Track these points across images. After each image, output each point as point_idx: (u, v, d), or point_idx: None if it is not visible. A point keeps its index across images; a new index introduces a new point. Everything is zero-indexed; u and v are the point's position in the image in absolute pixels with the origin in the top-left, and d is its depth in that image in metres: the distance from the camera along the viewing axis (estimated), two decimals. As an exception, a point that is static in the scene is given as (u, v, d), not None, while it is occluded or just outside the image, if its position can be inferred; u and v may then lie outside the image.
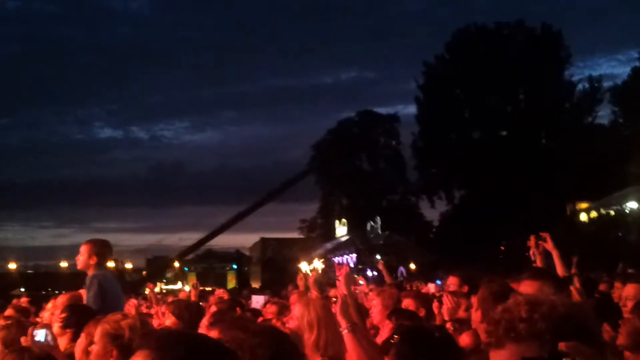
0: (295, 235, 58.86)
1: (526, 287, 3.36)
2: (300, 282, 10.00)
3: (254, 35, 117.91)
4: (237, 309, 7.72)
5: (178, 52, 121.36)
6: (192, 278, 52.57)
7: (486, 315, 3.39)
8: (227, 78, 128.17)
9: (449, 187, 48.32)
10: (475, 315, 3.86)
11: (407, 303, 5.28)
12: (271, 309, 7.66)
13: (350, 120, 53.92)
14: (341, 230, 49.70)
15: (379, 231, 44.48)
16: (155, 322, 6.59)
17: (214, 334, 3.94)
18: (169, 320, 5.49)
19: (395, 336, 3.14)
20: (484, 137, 46.37)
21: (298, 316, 4.67)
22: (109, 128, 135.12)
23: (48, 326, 4.83)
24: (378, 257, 34.68)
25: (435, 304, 6.28)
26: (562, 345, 1.57)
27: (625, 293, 4.80)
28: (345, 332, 3.92)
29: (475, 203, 42.72)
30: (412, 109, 50.68)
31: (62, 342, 4.58)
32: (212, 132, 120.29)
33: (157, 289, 28.19)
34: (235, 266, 61.12)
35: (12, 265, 44.72)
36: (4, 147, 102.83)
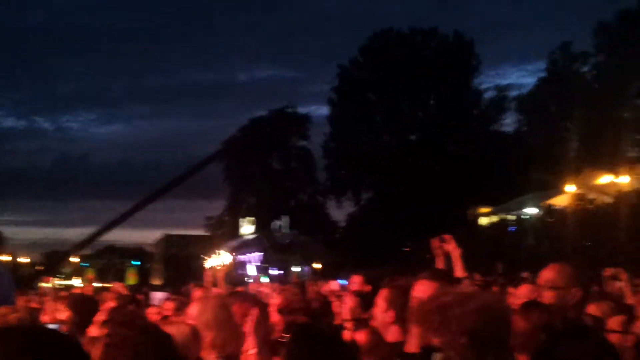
0: (200, 232, 58.31)
1: (422, 287, 3.36)
2: (208, 278, 9.81)
3: (169, 29, 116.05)
4: (132, 305, 7.52)
5: (89, 42, 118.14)
6: (89, 273, 51.24)
7: (400, 313, 3.40)
8: (139, 71, 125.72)
9: (357, 188, 48.91)
10: (385, 316, 3.84)
11: (299, 305, 5.22)
12: (169, 306, 7.49)
13: (262, 119, 53.66)
14: (248, 228, 49.48)
15: (286, 230, 44.53)
16: (45, 317, 6.32)
17: (101, 330, 3.80)
18: (64, 314, 5.30)
19: (286, 335, 3.10)
20: (394, 141, 47.17)
21: (195, 315, 4.56)
22: (12, 117, 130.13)
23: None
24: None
25: (336, 303, 6.27)
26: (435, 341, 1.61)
27: (518, 293, 4.90)
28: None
29: (382, 205, 43.39)
30: (325, 110, 51.10)
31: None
32: (120, 126, 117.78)
33: (51, 284, 27.35)
34: (136, 262, 59.87)
35: None
36: None
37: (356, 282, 6.58)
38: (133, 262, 59.76)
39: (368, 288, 6.30)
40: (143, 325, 2.87)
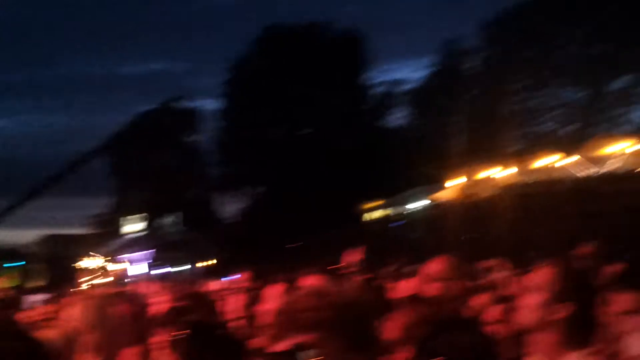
0: (86, 231, 56.50)
1: (310, 281, 3.34)
2: (84, 279, 9.46)
3: (56, 20, 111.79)
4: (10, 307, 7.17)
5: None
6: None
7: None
8: (23, 63, 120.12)
9: (250, 184, 48.73)
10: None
11: (183, 304, 5.11)
12: (47, 309, 7.19)
13: (151, 112, 52.47)
14: (137, 225, 48.38)
15: (177, 227, 43.89)
16: None
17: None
18: None
19: (178, 332, 3.06)
20: (287, 136, 47.25)
21: (74, 316, 4.43)
22: None
23: None
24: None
25: (223, 301, 6.20)
26: (309, 339, 1.58)
27: (403, 287, 4.95)
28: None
29: (274, 200, 43.41)
30: (217, 104, 50.60)
31: None
32: (3, 120, 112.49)
33: None
34: (16, 263, 57.35)
35: None
36: None
37: (244, 278, 6.55)
38: (14, 263, 57.24)
39: (256, 284, 6.27)
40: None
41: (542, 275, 2.74)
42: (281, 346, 1.64)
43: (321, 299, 1.66)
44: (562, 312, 2.63)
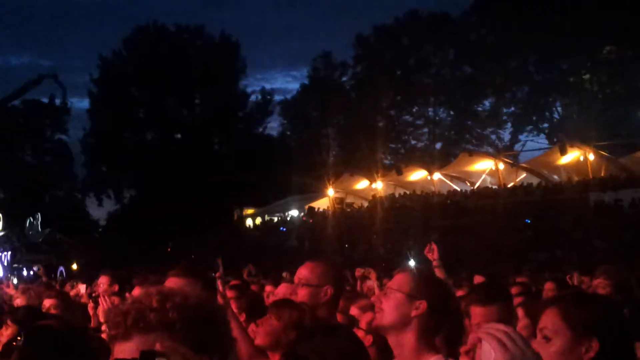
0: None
1: (172, 284, 3.19)
2: None
3: None
4: None
5: None
6: None
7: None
8: None
9: (119, 186, 47.48)
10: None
11: (49, 304, 4.82)
12: None
13: (13, 108, 49.89)
14: (-5, 225, 45.88)
15: (39, 228, 41.92)
16: None
17: None
18: None
19: (19, 337, 2.86)
20: (159, 139, 46.38)
21: None
22: None
23: None
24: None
25: (90, 305, 5.90)
26: (158, 345, 1.47)
27: (276, 292, 4.90)
28: None
29: (145, 203, 42.45)
30: (84, 103, 48.87)
31: None
32: None
33: None
34: None
35: None
36: None
37: (103, 282, 6.28)
38: None
39: (115, 287, 6.03)
40: None
41: (400, 279, 2.81)
42: (129, 348, 1.51)
43: (167, 299, 1.56)
44: (417, 311, 2.70)
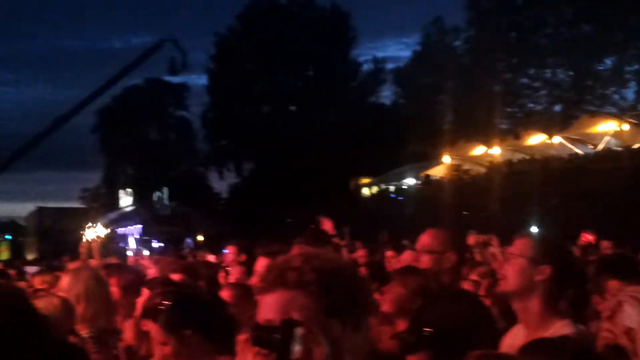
0: (76, 204, 56.41)
1: (299, 251, 3.36)
2: (83, 250, 9.47)
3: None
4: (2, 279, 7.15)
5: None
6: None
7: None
8: (4, 36, 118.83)
9: (239, 159, 48.77)
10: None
11: (177, 277, 5.12)
12: (41, 280, 7.19)
13: (138, 88, 52.12)
14: (126, 200, 48.32)
15: (166, 202, 43.81)
16: None
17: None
18: None
19: (165, 302, 3.03)
20: (274, 112, 47.22)
21: (66, 287, 4.43)
22: None
23: None
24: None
25: (221, 274, 6.23)
26: (296, 314, 1.63)
27: (401, 259, 5.00)
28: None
29: (264, 176, 43.46)
30: (203, 80, 50.27)
31: None
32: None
33: None
34: (8, 236, 57.23)
35: None
36: None
37: (231, 252, 6.58)
38: (5, 237, 57.11)
39: (243, 257, 6.31)
40: None
41: (521, 244, 2.84)
42: (270, 300, 1.68)
43: (308, 260, 1.70)
44: (541, 276, 2.72)
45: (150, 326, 3.00)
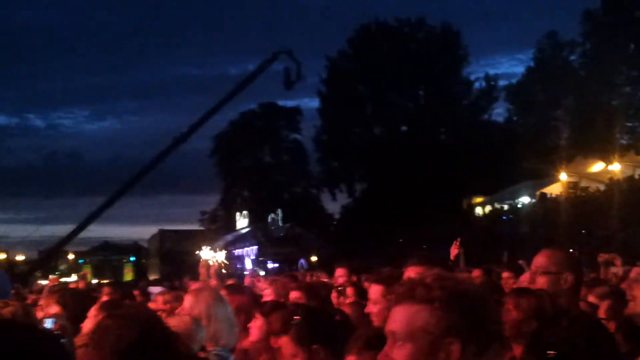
0: (195, 227, 58.27)
1: (411, 273, 3.37)
2: (202, 270, 9.80)
3: (157, 23, 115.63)
4: (127, 300, 7.50)
5: (78, 38, 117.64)
6: (84, 269, 51.25)
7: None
8: (129, 66, 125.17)
9: (350, 180, 49.03)
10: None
11: (295, 295, 5.20)
12: (164, 300, 7.49)
13: (252, 112, 53.60)
14: (242, 222, 49.48)
15: (280, 223, 44.53)
16: (39, 313, 6.32)
17: (89, 323, 3.83)
18: (53, 309, 5.28)
19: (296, 317, 3.20)
20: (385, 132, 47.27)
21: (189, 307, 4.58)
22: (3, 115, 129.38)
23: None
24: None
25: (333, 295, 6.31)
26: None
27: (521, 281, 4.92)
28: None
29: (376, 196, 43.45)
30: (315, 103, 51.05)
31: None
32: (111, 121, 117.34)
33: (47, 281, 27.27)
34: (132, 258, 59.86)
35: None
36: None
37: (341, 274, 6.64)
38: (129, 259, 59.78)
39: (354, 278, 6.36)
40: (125, 313, 2.90)
41: None
42: (397, 312, 1.76)
43: (438, 279, 1.76)
44: None
45: (282, 341, 3.17)
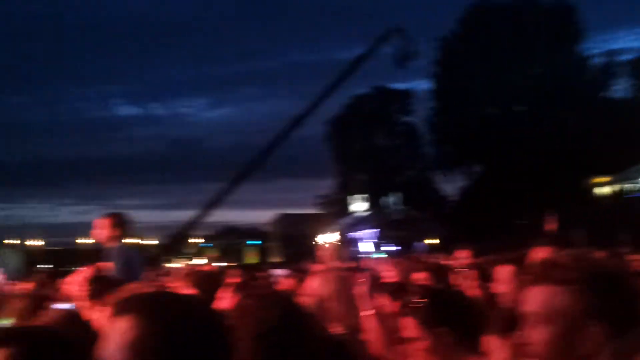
0: (313, 210, 58.99)
1: (538, 254, 3.39)
2: (323, 253, 10.04)
3: (274, 11, 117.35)
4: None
5: (198, 27, 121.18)
6: (212, 253, 53.22)
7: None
8: (248, 53, 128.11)
9: (465, 162, 48.29)
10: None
11: (420, 277, 5.31)
12: (289, 282, 7.81)
13: (364, 96, 53.79)
14: (359, 205, 49.74)
15: (397, 206, 44.54)
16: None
17: (221, 304, 4.05)
18: (189, 291, 5.56)
19: (423, 299, 3.17)
20: (501, 113, 46.21)
21: (315, 288, 4.77)
22: (128, 105, 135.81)
23: (70, 299, 4.90)
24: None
25: (452, 277, 6.37)
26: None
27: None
28: (369, 312, 3.97)
29: (494, 178, 42.62)
30: (425, 85, 50.53)
31: (90, 313, 4.69)
32: (232, 109, 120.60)
33: (176, 265, 28.47)
34: (255, 242, 61.38)
35: (36, 242, 45.27)
36: (25, 125, 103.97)
37: (463, 255, 6.68)
38: (252, 242, 61.36)
39: (475, 261, 6.39)
40: (265, 294, 3.01)
41: None
42: (534, 292, 1.75)
43: (576, 259, 1.76)
44: None
45: (407, 322, 3.12)
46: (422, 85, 54.84)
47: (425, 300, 3.12)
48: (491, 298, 4.33)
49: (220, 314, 1.82)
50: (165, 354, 1.52)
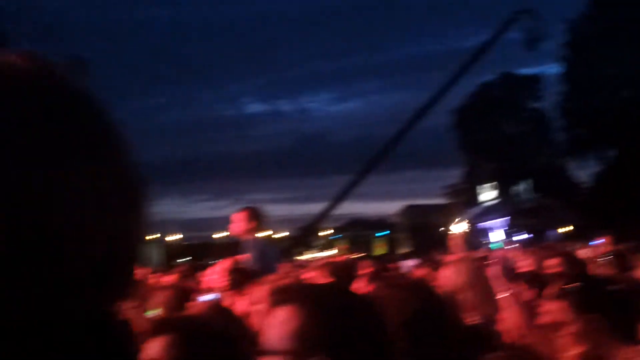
0: (439, 201, 58.61)
1: None
2: (454, 242, 10.01)
3: (396, 2, 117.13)
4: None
5: (321, 23, 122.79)
6: (341, 244, 53.96)
7: None
8: (369, 48, 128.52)
9: (599, 147, 46.40)
10: None
11: (554, 263, 5.18)
12: (421, 272, 7.82)
13: (491, 84, 52.71)
14: (488, 194, 48.92)
15: (528, 194, 43.46)
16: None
17: (366, 290, 4.14)
18: (324, 281, 5.70)
19: (576, 283, 3.12)
20: (634, 95, 44.06)
21: (449, 278, 4.77)
22: (256, 103, 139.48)
23: (212, 290, 5.14)
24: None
25: (591, 266, 6.21)
26: None
27: None
28: (505, 294, 3.93)
29: (629, 163, 40.77)
30: (552, 69, 48.91)
31: (230, 303, 4.91)
32: (356, 102, 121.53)
33: (307, 256, 29.11)
34: (383, 233, 61.66)
35: (174, 237, 47.36)
36: (161, 125, 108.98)
37: (606, 242, 6.48)
38: (380, 233, 61.71)
39: (619, 248, 6.18)
40: (405, 283, 3.06)
41: None
42: None
43: None
44: None
45: (556, 306, 3.08)
46: (549, 69, 53.02)
47: (578, 284, 3.08)
48: (636, 286, 4.18)
49: (372, 302, 1.86)
50: (327, 342, 1.57)
